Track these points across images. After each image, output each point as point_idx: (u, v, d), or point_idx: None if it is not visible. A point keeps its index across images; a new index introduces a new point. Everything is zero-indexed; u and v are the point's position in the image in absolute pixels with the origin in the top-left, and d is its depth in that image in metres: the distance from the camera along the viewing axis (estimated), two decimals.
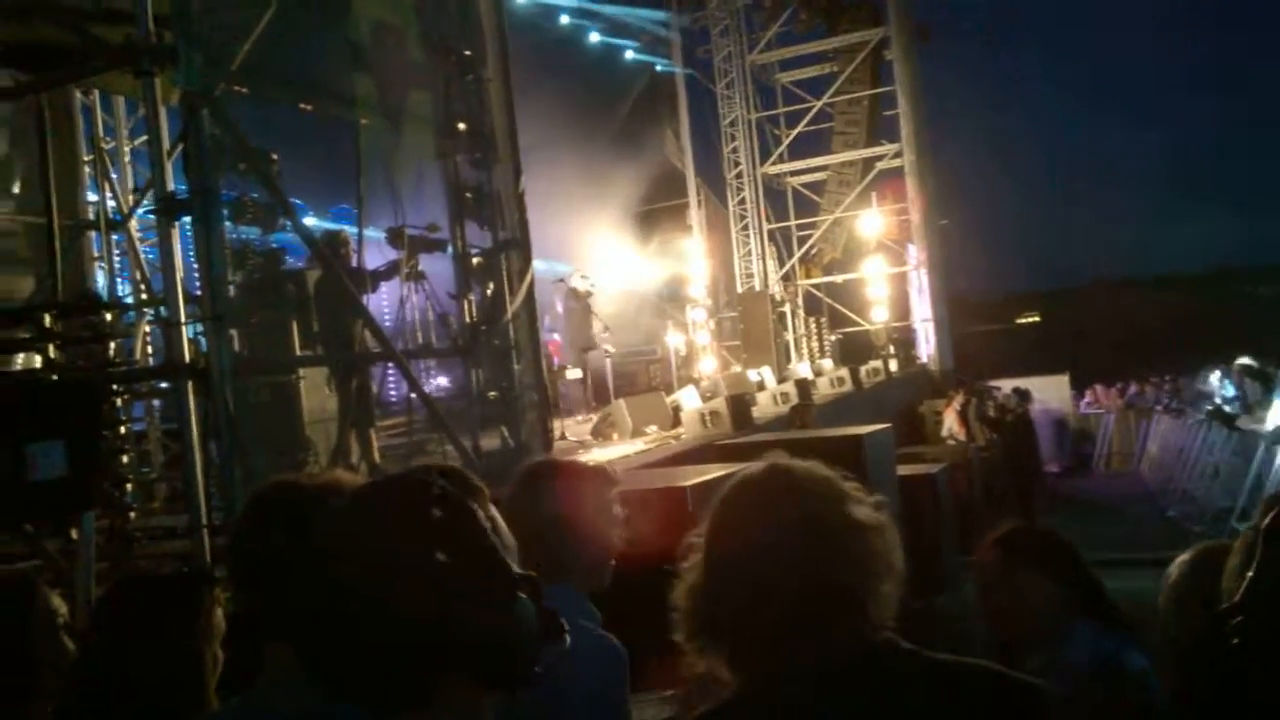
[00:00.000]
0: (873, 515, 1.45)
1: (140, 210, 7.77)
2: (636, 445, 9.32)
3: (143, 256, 7.94)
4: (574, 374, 11.93)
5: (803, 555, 1.38)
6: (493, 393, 7.70)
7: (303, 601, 1.19)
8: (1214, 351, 21.31)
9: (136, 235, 7.92)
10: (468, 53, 7.61)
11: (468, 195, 7.74)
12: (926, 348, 19.94)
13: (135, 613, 2.00)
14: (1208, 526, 11.67)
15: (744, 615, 1.40)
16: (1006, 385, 18.07)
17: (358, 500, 1.24)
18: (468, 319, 7.80)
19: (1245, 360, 17.27)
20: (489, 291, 7.83)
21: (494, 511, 1.23)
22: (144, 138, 6.44)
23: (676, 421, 10.34)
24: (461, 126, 7.64)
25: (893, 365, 17.66)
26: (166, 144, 5.32)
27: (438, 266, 8.36)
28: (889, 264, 19.96)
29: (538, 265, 8.06)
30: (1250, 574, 1.05)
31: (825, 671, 1.36)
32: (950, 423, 15.08)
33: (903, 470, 8.69)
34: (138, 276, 8.03)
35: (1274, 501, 1.10)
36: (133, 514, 6.50)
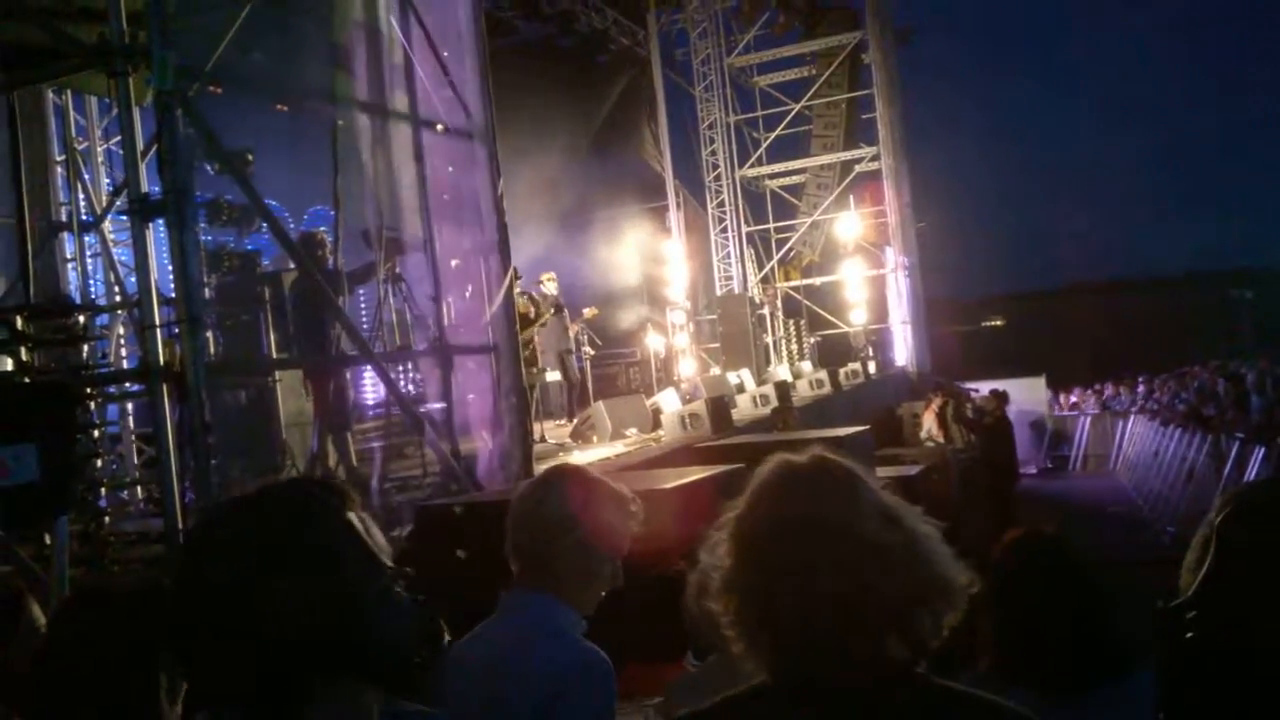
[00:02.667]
0: (934, 531, 1.40)
1: (114, 211, 7.69)
2: (616, 448, 9.31)
3: (116, 258, 7.86)
4: (553, 377, 11.90)
5: (862, 565, 1.31)
6: (471, 395, 7.66)
7: (177, 607, 1.22)
8: (1191, 353, 21.53)
9: (110, 237, 7.83)
10: (446, 53, 7.57)
11: (445, 197, 7.70)
12: (904, 350, 20.01)
13: (88, 628, 1.95)
14: (1181, 528, 11.77)
15: (791, 615, 1.32)
16: (984, 387, 18.19)
17: (232, 508, 1.27)
18: (446, 322, 7.76)
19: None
20: (468, 294, 7.78)
21: (363, 514, 1.28)
22: (117, 138, 6.37)
23: (656, 424, 10.33)
24: (440, 128, 7.60)
25: (871, 367, 17.71)
26: (140, 145, 5.26)
27: (415, 269, 8.31)
28: (867, 266, 20.04)
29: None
30: (1204, 569, 1.07)
31: (845, 692, 1.31)
32: (929, 424, 15.13)
33: (882, 472, 8.71)
34: (111, 278, 7.94)
35: (1230, 498, 1.12)
36: (107, 518, 6.43)
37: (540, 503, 2.17)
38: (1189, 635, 1.04)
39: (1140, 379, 21.47)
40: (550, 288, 11.60)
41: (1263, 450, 11.96)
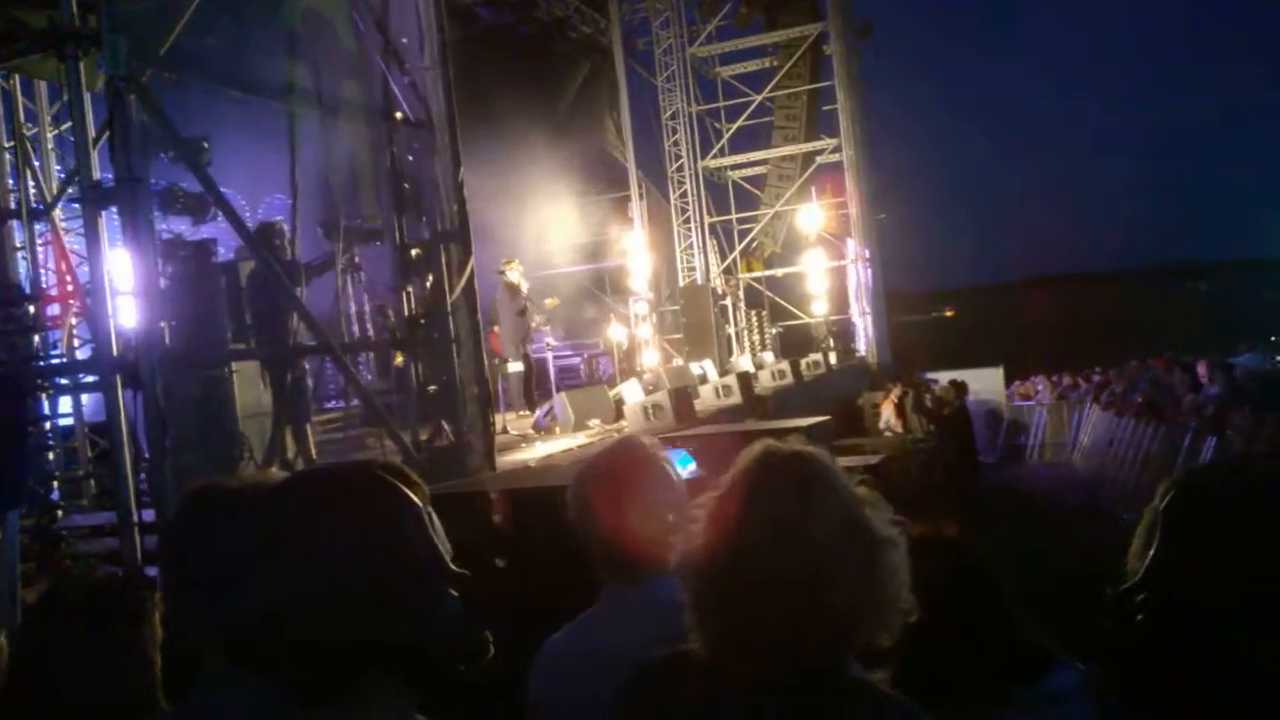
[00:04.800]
0: (897, 541, 1.44)
1: (65, 199, 7.54)
2: (579, 439, 9.30)
3: (68, 247, 7.71)
4: (515, 367, 11.86)
5: (818, 579, 1.35)
6: (433, 386, 7.61)
7: (231, 584, 1.15)
8: (1146, 345, 21.89)
9: (61, 225, 7.68)
10: (405, 40, 7.49)
11: (405, 185, 7.63)
12: (864, 340, 20.15)
13: (71, 623, 1.89)
14: (1137, 515, 11.94)
15: (742, 609, 1.38)
16: (943, 377, 18.36)
17: (294, 487, 1.21)
18: (406, 311, 7.70)
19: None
20: (428, 284, 7.73)
21: (430, 510, 1.21)
22: (68, 124, 6.25)
23: (619, 415, 10.33)
24: (399, 116, 7.53)
25: (832, 358, 17.82)
26: (92, 131, 5.16)
27: (375, 258, 8.23)
28: (828, 258, 20.13)
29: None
30: (1151, 553, 1.10)
31: (773, 682, 1.36)
32: (888, 415, 15.25)
33: (842, 462, 8.78)
34: (63, 267, 7.79)
35: (1174, 483, 1.15)
36: (59, 512, 6.33)
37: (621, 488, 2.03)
38: (1139, 618, 1.07)
39: (1096, 370, 21.75)
40: (512, 275, 11.50)
41: (1214, 440, 12.17)
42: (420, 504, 1.19)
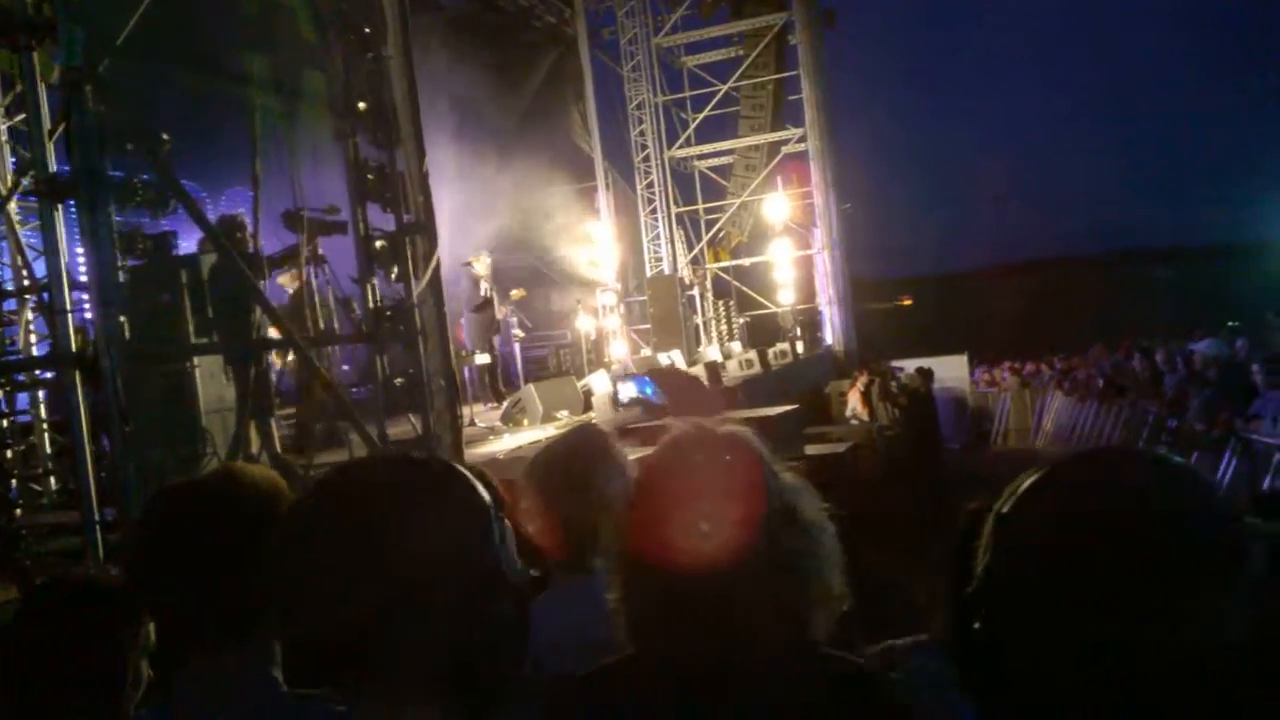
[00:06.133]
0: (829, 526, 1.39)
1: (19, 192, 7.40)
2: (547, 430, 9.28)
3: (23, 240, 7.58)
4: (482, 359, 11.81)
5: (762, 571, 1.30)
6: (399, 379, 7.57)
7: (278, 565, 1.12)
8: (1107, 331, 22.16)
9: (16, 218, 7.54)
10: (367, 30, 7.42)
11: (369, 176, 7.56)
12: (831, 329, 20.24)
13: (63, 622, 1.85)
14: None
15: (684, 599, 1.30)
16: (909, 365, 18.50)
17: (348, 482, 1.17)
18: (371, 304, 7.64)
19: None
20: (393, 275, 7.67)
21: (502, 518, 1.17)
22: (22, 115, 6.14)
23: (588, 406, 10.32)
24: (361, 105, 7.46)
25: (799, 347, 17.89)
26: (47, 123, 5.07)
27: (339, 250, 8.15)
28: (794, 247, 20.19)
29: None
30: (985, 558, 1.05)
31: (733, 674, 1.30)
32: (854, 403, 15.34)
33: (811, 450, 8.85)
34: (19, 261, 7.66)
35: (1015, 486, 1.09)
36: (19, 510, 6.24)
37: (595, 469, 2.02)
38: (976, 625, 1.03)
39: (1059, 356, 22.02)
40: (480, 268, 11.45)
41: (1174, 423, 12.38)
42: (485, 506, 1.15)
